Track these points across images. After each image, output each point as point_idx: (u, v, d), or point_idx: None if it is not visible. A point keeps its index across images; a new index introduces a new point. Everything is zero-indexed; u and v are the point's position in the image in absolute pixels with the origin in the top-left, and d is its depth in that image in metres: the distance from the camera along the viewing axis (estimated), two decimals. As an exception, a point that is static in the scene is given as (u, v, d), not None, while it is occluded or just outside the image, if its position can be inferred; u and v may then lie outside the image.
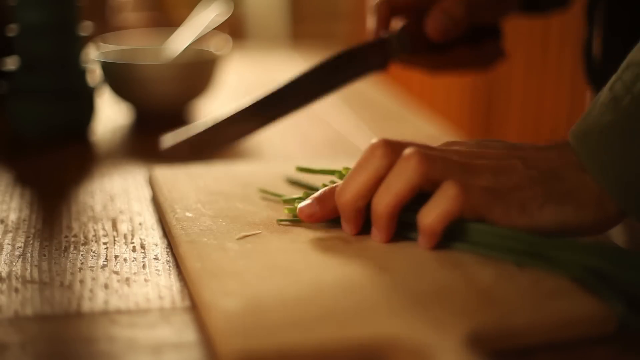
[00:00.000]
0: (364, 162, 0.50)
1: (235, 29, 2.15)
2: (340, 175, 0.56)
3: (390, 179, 0.48)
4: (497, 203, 0.47)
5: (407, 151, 0.48)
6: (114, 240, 0.55)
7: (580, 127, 0.49)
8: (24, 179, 0.70)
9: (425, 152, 0.48)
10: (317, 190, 0.54)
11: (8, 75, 0.83)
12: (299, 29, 2.71)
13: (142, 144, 0.84)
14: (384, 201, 0.49)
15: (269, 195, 0.59)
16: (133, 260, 0.51)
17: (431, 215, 0.47)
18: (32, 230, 0.57)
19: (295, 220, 0.53)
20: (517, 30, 1.40)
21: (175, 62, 0.92)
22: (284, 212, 0.55)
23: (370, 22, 0.72)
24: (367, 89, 1.15)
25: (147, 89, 0.89)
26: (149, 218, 0.59)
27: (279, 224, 0.53)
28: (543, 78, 1.56)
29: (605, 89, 0.49)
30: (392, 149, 0.49)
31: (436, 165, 0.48)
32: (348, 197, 0.50)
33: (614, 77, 0.49)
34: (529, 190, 0.47)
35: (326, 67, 0.67)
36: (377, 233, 0.50)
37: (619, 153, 0.47)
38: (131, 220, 0.59)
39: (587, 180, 0.48)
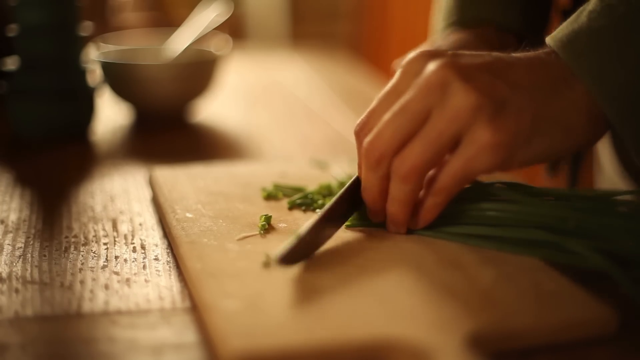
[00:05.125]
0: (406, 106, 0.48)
1: (235, 29, 2.15)
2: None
3: (462, 156, 0.47)
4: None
5: (485, 134, 0.46)
6: (114, 240, 0.55)
7: (563, 32, 0.49)
8: (24, 179, 0.70)
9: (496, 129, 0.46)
10: (303, 190, 0.54)
11: (8, 75, 0.83)
12: (299, 29, 2.71)
13: (142, 144, 0.84)
14: (452, 171, 0.47)
15: (273, 195, 0.59)
16: (133, 261, 0.51)
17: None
18: (33, 231, 0.57)
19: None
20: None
21: (175, 62, 0.92)
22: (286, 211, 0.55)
23: None
24: (367, 89, 1.15)
25: (147, 89, 0.89)
26: (149, 218, 0.59)
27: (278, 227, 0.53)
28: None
29: (594, 0, 0.49)
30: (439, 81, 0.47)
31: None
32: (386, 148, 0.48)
33: None
34: (519, 124, 0.47)
35: None
36: (434, 202, 0.49)
37: (613, 56, 0.47)
38: (131, 220, 0.59)
39: (575, 97, 0.48)
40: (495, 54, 0.50)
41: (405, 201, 0.49)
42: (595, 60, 0.48)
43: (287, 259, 0.45)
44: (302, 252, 0.46)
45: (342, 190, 0.52)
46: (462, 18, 0.67)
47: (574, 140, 0.49)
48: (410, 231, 0.51)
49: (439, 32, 0.70)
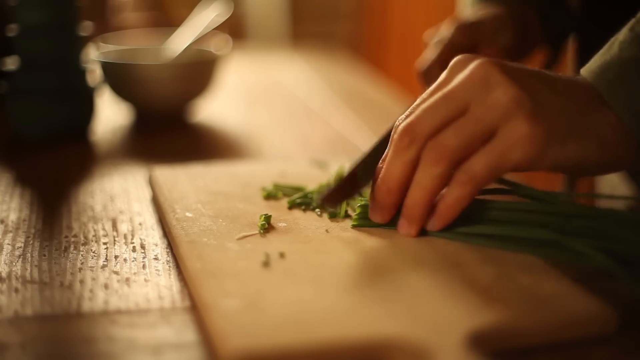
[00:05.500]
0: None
1: (235, 29, 2.15)
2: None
3: (497, 145, 0.47)
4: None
5: (525, 126, 0.47)
6: (114, 240, 0.55)
7: (596, 64, 0.50)
8: (24, 179, 0.70)
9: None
10: (302, 190, 0.54)
11: (8, 75, 0.83)
12: (299, 29, 2.71)
13: (142, 144, 0.84)
14: (484, 162, 0.47)
15: (273, 195, 0.59)
16: (133, 261, 0.51)
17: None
18: (32, 231, 0.57)
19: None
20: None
21: (175, 62, 0.92)
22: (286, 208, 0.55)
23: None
24: (367, 89, 1.15)
25: (147, 89, 0.89)
26: (149, 218, 0.59)
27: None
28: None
29: (625, 30, 0.51)
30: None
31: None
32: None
33: (633, 20, 0.51)
34: (555, 123, 0.47)
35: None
36: (465, 184, 0.48)
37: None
38: (131, 220, 0.59)
39: (609, 115, 0.49)
40: (538, 69, 0.51)
41: (429, 189, 0.48)
42: (625, 89, 0.49)
43: (329, 199, 0.48)
44: (343, 193, 0.49)
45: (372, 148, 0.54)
46: None
47: (608, 155, 0.49)
48: (421, 233, 0.50)
49: (468, 7, 0.78)
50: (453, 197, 0.48)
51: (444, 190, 0.49)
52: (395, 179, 0.49)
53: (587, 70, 0.51)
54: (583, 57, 0.75)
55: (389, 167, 0.50)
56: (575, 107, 0.49)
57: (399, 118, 0.51)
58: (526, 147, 0.46)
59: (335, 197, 0.48)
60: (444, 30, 0.72)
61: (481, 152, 0.47)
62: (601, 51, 0.51)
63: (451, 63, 0.51)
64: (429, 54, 0.71)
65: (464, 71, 0.49)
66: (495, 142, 0.47)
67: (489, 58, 0.49)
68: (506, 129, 0.47)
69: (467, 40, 0.70)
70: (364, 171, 0.52)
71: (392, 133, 0.51)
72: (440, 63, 0.69)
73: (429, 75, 0.70)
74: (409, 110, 0.51)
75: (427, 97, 0.50)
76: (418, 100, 0.51)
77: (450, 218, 0.49)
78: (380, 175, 0.51)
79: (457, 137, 0.47)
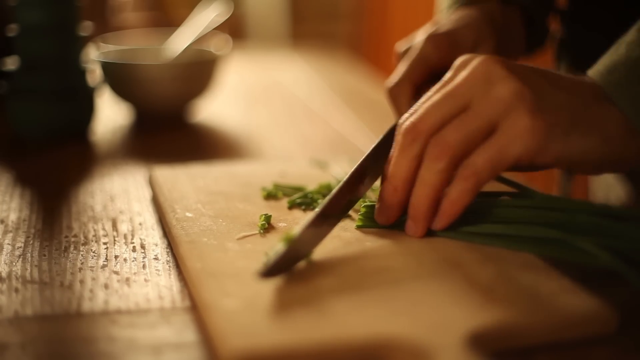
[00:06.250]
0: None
1: (235, 29, 2.15)
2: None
3: (498, 139, 0.47)
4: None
5: (524, 119, 0.47)
6: (114, 240, 0.55)
7: (603, 64, 0.50)
8: (24, 179, 0.70)
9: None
10: (303, 190, 0.53)
11: (8, 75, 0.83)
12: (299, 29, 2.71)
13: (142, 144, 0.84)
14: (487, 156, 0.47)
15: (273, 195, 0.59)
16: (133, 261, 0.51)
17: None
18: (32, 231, 0.57)
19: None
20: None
21: (175, 62, 0.92)
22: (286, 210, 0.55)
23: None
24: (367, 89, 1.15)
25: (147, 89, 0.89)
26: (149, 218, 0.59)
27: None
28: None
29: (633, 31, 0.51)
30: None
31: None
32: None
33: None
34: (557, 117, 0.47)
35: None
36: (466, 180, 0.48)
37: None
38: (131, 220, 0.59)
39: (614, 111, 0.49)
40: (542, 68, 0.51)
41: (433, 184, 0.48)
42: (633, 89, 0.49)
43: (271, 272, 0.43)
44: (290, 261, 0.45)
45: (341, 184, 0.51)
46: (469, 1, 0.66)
47: (612, 150, 0.49)
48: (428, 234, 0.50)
49: (443, 11, 0.69)
50: (457, 193, 0.48)
51: (447, 189, 0.49)
52: (401, 176, 0.50)
53: (594, 71, 0.51)
54: (565, 55, 0.75)
55: (395, 165, 0.50)
56: (579, 102, 0.49)
57: (403, 116, 0.51)
58: (527, 140, 0.46)
59: (279, 267, 0.44)
60: (417, 40, 0.62)
61: (483, 146, 0.47)
62: (608, 52, 0.51)
63: (455, 62, 0.51)
64: (398, 70, 0.62)
65: (466, 68, 0.50)
66: (496, 136, 0.47)
67: (492, 55, 0.50)
68: (507, 123, 0.47)
69: (440, 53, 0.60)
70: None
71: (396, 133, 0.51)
72: (410, 81, 0.60)
73: (397, 93, 0.61)
74: (413, 108, 0.51)
75: (432, 95, 0.51)
76: (422, 99, 0.51)
77: (454, 215, 0.49)
78: (386, 175, 0.51)
79: (459, 132, 0.48)
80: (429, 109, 0.49)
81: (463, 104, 0.48)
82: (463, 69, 0.50)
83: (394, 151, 0.51)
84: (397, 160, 0.50)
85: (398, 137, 0.50)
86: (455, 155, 0.48)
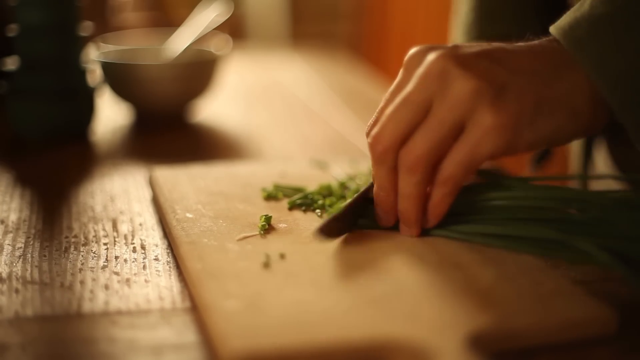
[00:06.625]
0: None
1: (235, 29, 2.15)
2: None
3: (466, 141, 0.47)
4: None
5: (488, 117, 0.46)
6: (114, 240, 0.55)
7: (565, 21, 0.50)
8: (24, 179, 0.70)
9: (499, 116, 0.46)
10: (303, 191, 0.55)
11: (8, 75, 0.83)
12: (299, 29, 2.71)
13: (142, 144, 0.84)
14: (458, 160, 0.47)
15: (273, 195, 0.59)
16: (133, 261, 0.51)
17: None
18: (33, 231, 0.57)
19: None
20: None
21: (175, 62, 0.92)
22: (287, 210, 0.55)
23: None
24: (367, 89, 1.15)
25: (147, 89, 0.89)
26: (149, 219, 0.59)
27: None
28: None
29: None
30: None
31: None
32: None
33: None
34: (521, 105, 0.47)
35: None
36: (445, 186, 0.48)
37: (612, 44, 0.47)
38: (131, 220, 0.59)
39: (578, 80, 0.48)
40: (495, 43, 0.50)
41: (414, 195, 0.49)
42: (595, 48, 0.48)
43: (326, 232, 0.47)
44: (340, 228, 0.49)
45: (362, 190, 0.53)
46: (481, 35, 0.67)
47: (580, 123, 0.49)
48: (423, 232, 0.51)
49: (458, 37, 0.71)
50: (437, 197, 0.49)
51: (429, 192, 0.50)
52: (385, 186, 0.50)
53: (556, 27, 0.50)
54: None
55: (376, 177, 0.51)
56: (541, 81, 0.48)
57: (368, 124, 0.51)
58: (494, 137, 0.46)
59: (332, 230, 0.49)
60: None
61: (453, 151, 0.48)
62: (572, 9, 0.50)
63: (405, 59, 0.50)
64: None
65: (419, 68, 0.49)
66: (464, 139, 0.47)
67: (441, 49, 0.49)
68: (472, 124, 0.47)
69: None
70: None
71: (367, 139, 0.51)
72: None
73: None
74: (375, 115, 0.51)
75: (390, 99, 0.50)
76: (382, 103, 0.51)
77: (440, 214, 0.50)
78: (375, 187, 0.51)
79: (425, 142, 0.47)
80: (390, 119, 0.49)
81: (423, 108, 0.48)
82: (416, 67, 0.49)
83: (371, 161, 0.51)
84: (376, 172, 0.50)
85: (369, 147, 0.50)
86: (427, 164, 0.48)
